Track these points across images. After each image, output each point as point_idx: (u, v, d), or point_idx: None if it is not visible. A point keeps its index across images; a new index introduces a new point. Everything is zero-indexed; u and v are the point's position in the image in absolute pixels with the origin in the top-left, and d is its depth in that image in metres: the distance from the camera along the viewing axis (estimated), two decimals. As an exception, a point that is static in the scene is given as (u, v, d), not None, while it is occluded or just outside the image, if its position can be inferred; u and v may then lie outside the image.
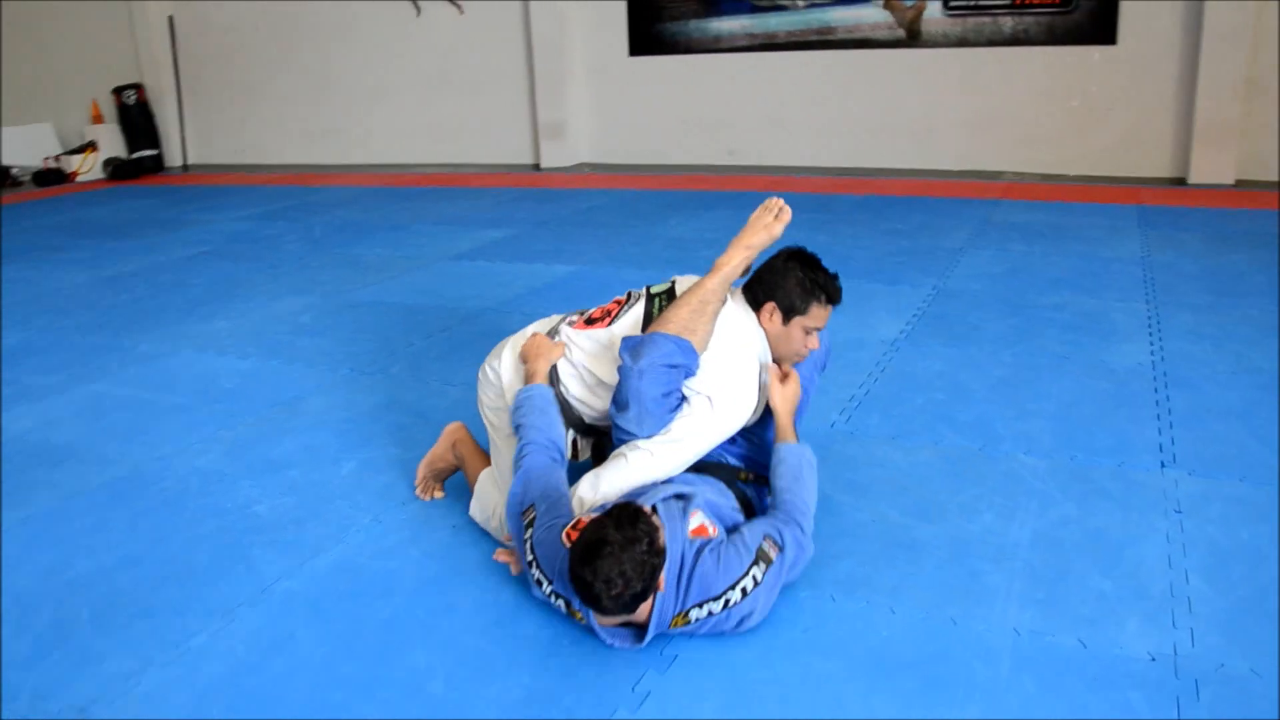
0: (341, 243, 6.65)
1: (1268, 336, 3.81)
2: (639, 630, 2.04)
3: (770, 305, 2.39)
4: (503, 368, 2.57)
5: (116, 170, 10.92)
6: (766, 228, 2.43)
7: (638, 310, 2.51)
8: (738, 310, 2.44)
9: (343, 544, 2.62)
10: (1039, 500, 2.65)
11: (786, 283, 2.38)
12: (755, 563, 2.05)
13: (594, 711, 1.91)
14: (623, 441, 2.35)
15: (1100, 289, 4.52)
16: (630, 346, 2.30)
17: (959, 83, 7.80)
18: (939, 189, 7.31)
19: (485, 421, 2.65)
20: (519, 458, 2.28)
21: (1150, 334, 3.88)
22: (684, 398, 2.33)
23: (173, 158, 11.59)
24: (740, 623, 2.05)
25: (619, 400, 2.31)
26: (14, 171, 10.92)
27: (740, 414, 2.38)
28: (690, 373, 2.31)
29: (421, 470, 2.81)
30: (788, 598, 2.23)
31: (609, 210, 7.15)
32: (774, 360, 2.47)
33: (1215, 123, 6.89)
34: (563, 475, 2.28)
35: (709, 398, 2.32)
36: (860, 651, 2.06)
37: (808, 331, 2.41)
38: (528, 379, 2.45)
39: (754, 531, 2.13)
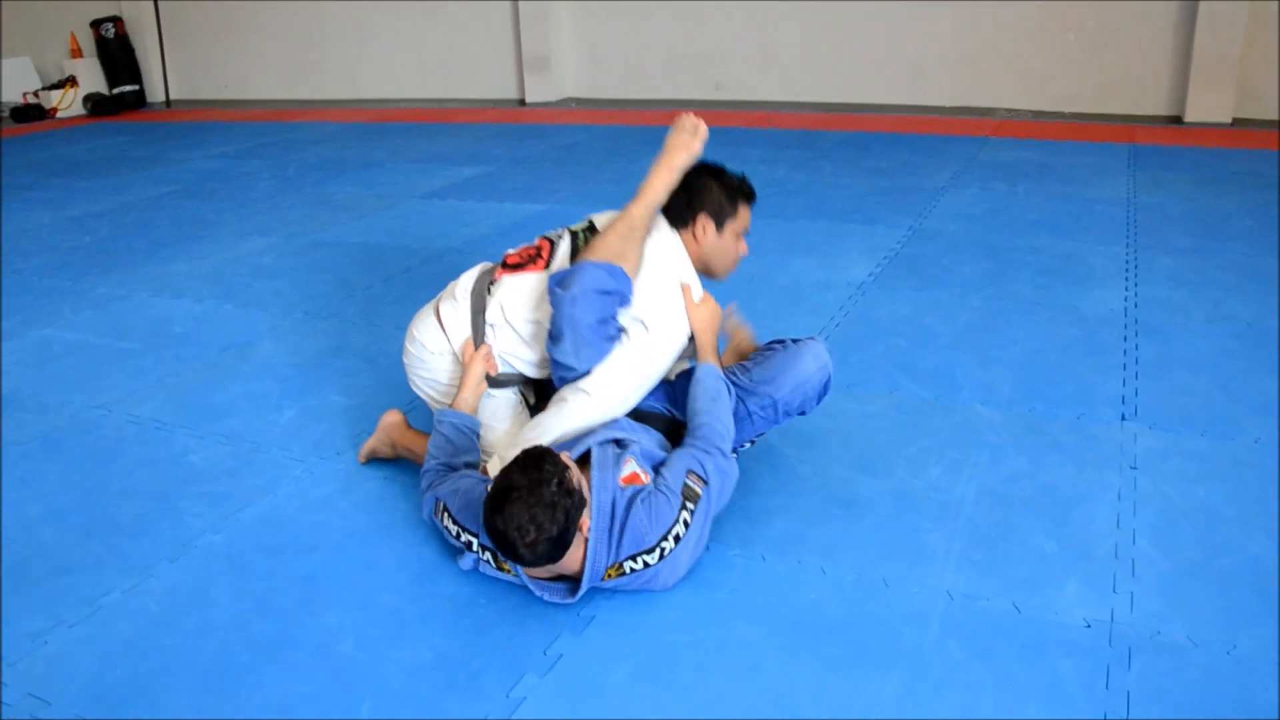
0: (314, 181, 6.51)
1: (1250, 283, 3.69)
2: (573, 584, 1.97)
3: (702, 217, 2.34)
4: (427, 340, 2.46)
5: (97, 106, 10.72)
6: (686, 146, 2.34)
7: (564, 248, 2.40)
8: (661, 236, 2.36)
9: (271, 496, 2.55)
10: (990, 454, 2.56)
11: (710, 192, 2.34)
12: (683, 505, 1.98)
13: (502, 675, 1.85)
14: (564, 381, 2.27)
15: (1080, 231, 4.39)
16: (559, 279, 2.21)
17: (952, 16, 7.56)
18: (928, 126, 7.12)
19: (425, 399, 2.55)
20: (423, 492, 2.24)
21: (1127, 279, 3.77)
22: (622, 328, 2.25)
23: (155, 93, 11.36)
24: (673, 570, 1.99)
25: (553, 332, 2.22)
26: (-6, 107, 10.72)
27: (676, 337, 2.30)
28: (625, 300, 2.23)
29: (364, 457, 2.70)
30: (716, 556, 2.16)
31: (588, 147, 6.99)
32: (712, 274, 2.43)
33: (1214, 59, 6.68)
34: (465, 473, 2.21)
35: (643, 322, 2.24)
36: (786, 614, 1.99)
37: (738, 236, 2.40)
38: (454, 399, 2.35)
39: (675, 470, 2.04)
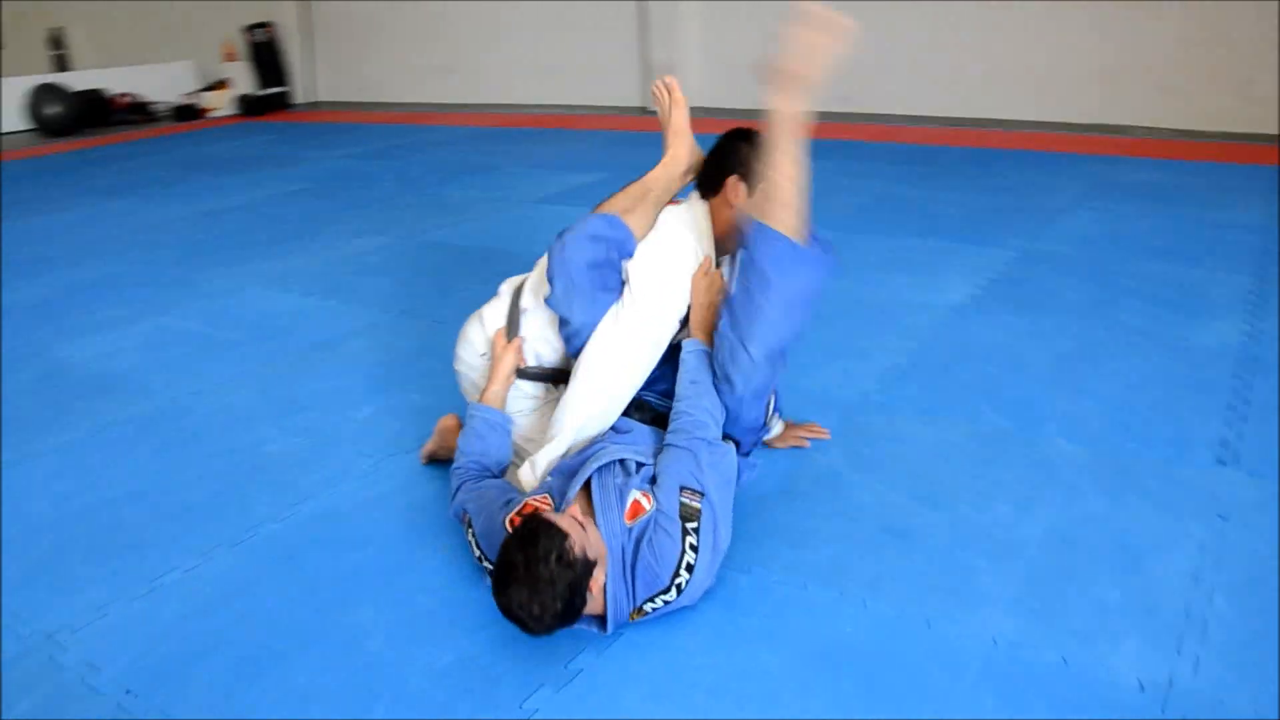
0: (433, 183, 6.69)
1: (1390, 321, 3.38)
2: (601, 620, 1.94)
3: (732, 180, 2.29)
4: (475, 340, 2.49)
5: (247, 107, 11.31)
6: (681, 104, 2.43)
7: None
8: (684, 206, 2.36)
9: (334, 490, 2.62)
10: (1065, 493, 2.41)
11: (738, 154, 2.30)
12: (684, 531, 1.89)
13: (520, 684, 1.84)
14: (574, 349, 2.28)
15: (1205, 259, 4.10)
16: (559, 232, 2.22)
17: (1088, 28, 7.20)
18: (1057, 143, 6.81)
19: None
20: (451, 493, 2.25)
21: (1248, 313, 3.50)
22: (623, 283, 2.24)
23: (301, 94, 11.92)
24: (696, 592, 1.94)
25: (549, 279, 2.23)
26: (155, 107, 11.44)
27: (665, 308, 2.24)
28: (622, 250, 2.22)
29: (424, 458, 2.75)
30: (756, 580, 2.11)
31: (703, 157, 6.94)
32: None
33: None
34: (492, 482, 2.22)
35: (631, 287, 2.22)
36: (815, 646, 1.92)
37: None
38: (482, 393, 2.36)
39: (668, 491, 1.94)
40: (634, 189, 2.32)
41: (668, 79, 2.48)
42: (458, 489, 2.22)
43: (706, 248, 2.33)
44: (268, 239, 5.37)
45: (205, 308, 4.22)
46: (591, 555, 1.81)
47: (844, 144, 7.10)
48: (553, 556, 1.73)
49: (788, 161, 2.05)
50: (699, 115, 8.59)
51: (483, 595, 2.11)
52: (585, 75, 9.93)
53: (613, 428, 2.24)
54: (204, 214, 6.09)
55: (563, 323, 2.28)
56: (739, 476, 2.25)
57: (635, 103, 9.61)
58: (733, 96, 9.05)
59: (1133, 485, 2.44)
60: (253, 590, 2.20)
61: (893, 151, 6.75)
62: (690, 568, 1.89)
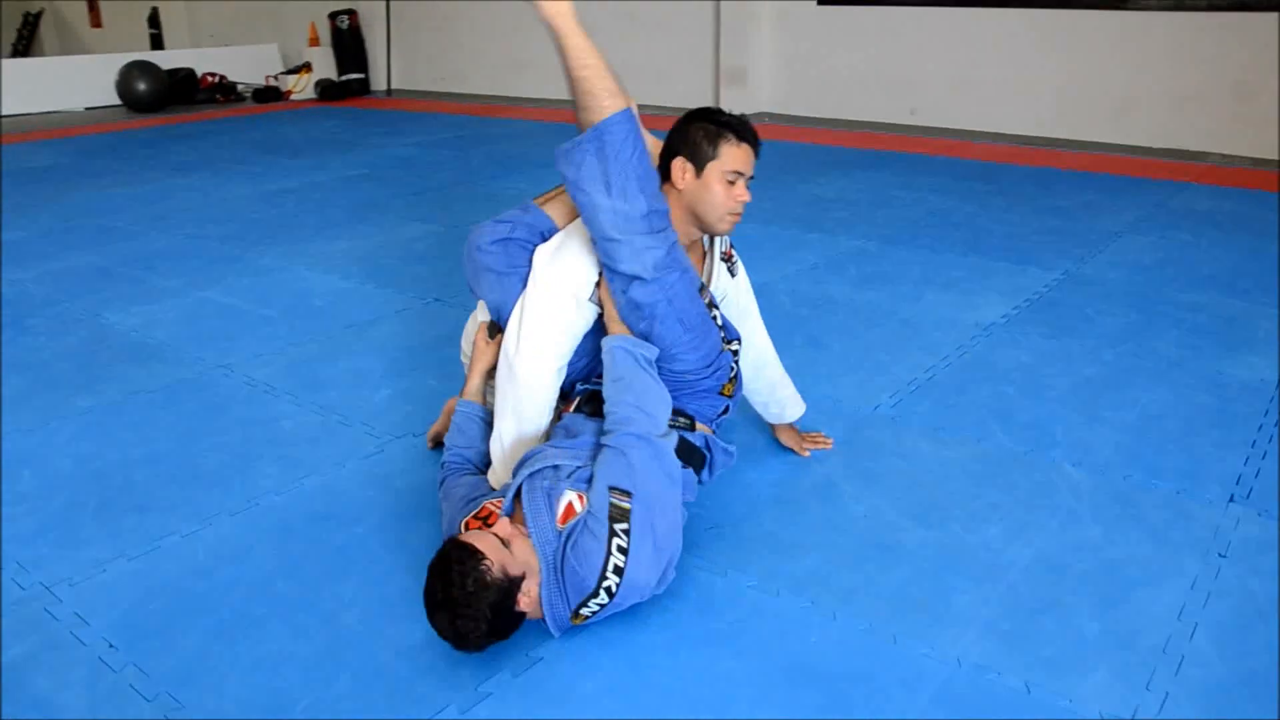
0: (491, 175, 6.78)
1: None
2: None
3: (679, 160, 2.18)
4: (469, 346, 2.56)
5: (325, 91, 11.57)
6: None
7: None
8: None
9: (340, 468, 2.69)
10: (1063, 519, 2.37)
11: (685, 135, 2.20)
12: (612, 534, 1.83)
13: (478, 669, 1.87)
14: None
15: (1255, 291, 3.97)
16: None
17: (1169, 50, 7.00)
18: (1125, 167, 6.63)
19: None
20: (438, 487, 2.31)
21: (1291, 348, 3.38)
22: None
23: (378, 82, 12.16)
24: (636, 589, 1.87)
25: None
26: (239, 88, 11.78)
27: (560, 282, 2.18)
28: (533, 232, 2.30)
29: (430, 442, 2.80)
30: (731, 584, 2.11)
31: (763, 162, 6.90)
32: (707, 225, 2.24)
33: None
34: (465, 480, 2.25)
35: (533, 272, 2.23)
36: (778, 655, 1.91)
37: (730, 181, 2.18)
38: (465, 387, 2.44)
39: (598, 491, 1.88)
40: (561, 186, 2.32)
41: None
42: (440, 484, 2.27)
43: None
44: (321, 221, 5.50)
45: (249, 284, 4.34)
46: (515, 570, 1.80)
47: (905, 157, 7.02)
48: (468, 581, 1.74)
49: (581, 52, 2.06)
50: (770, 122, 8.58)
51: (459, 579, 2.14)
52: (656, 76, 9.94)
53: (563, 427, 2.21)
54: (266, 194, 6.26)
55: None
56: (712, 464, 2.22)
57: (708, 105, 9.60)
58: (804, 103, 9.01)
59: (1133, 516, 2.38)
60: (245, 558, 2.27)
61: (955, 167, 6.65)
62: (619, 570, 1.83)
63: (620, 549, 1.83)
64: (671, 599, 2.03)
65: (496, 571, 1.76)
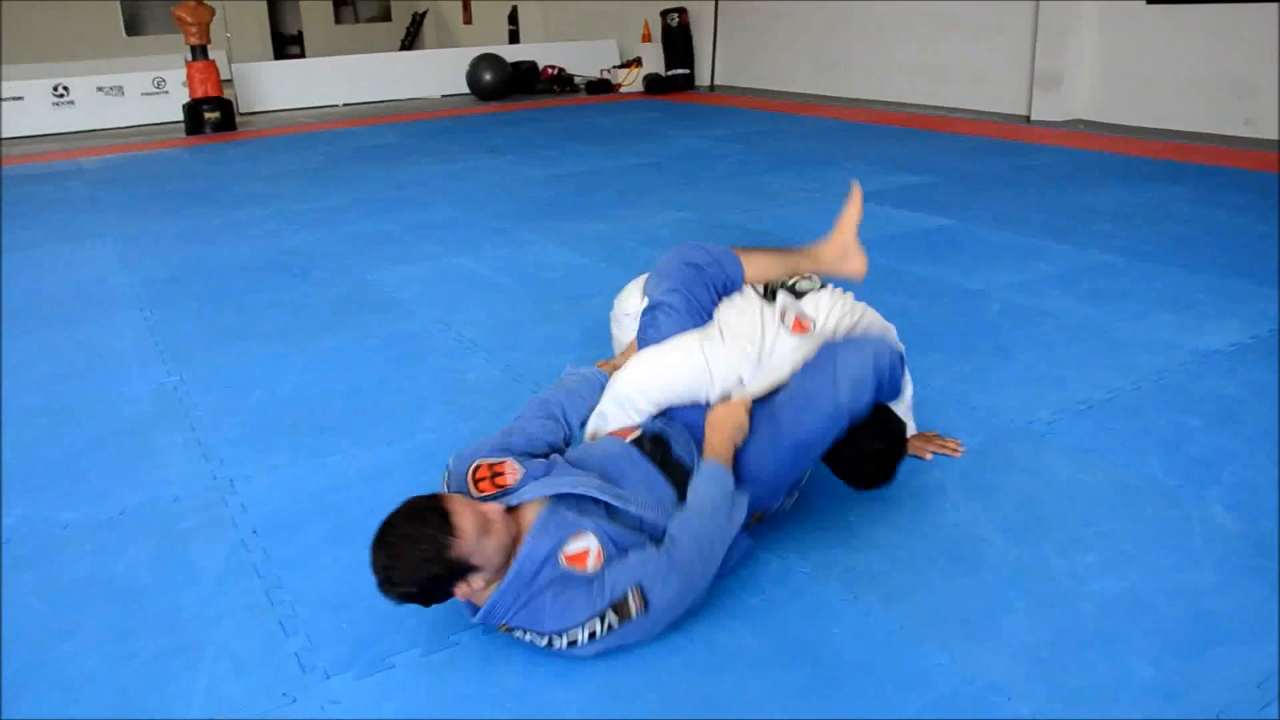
0: (767, 169, 6.92)
1: None
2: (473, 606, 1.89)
3: None
4: (620, 310, 2.72)
5: (650, 85, 12.23)
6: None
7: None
8: (770, 312, 2.38)
9: (496, 418, 2.94)
10: (1177, 559, 2.15)
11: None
12: (607, 611, 1.78)
13: (401, 641, 1.95)
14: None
15: None
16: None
17: None
18: None
19: None
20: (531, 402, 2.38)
21: None
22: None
23: (701, 78, 12.64)
24: (558, 649, 1.83)
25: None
26: (576, 80, 12.74)
27: (631, 384, 2.26)
28: (726, 275, 2.38)
29: None
30: (787, 566, 2.15)
31: (1046, 170, 6.51)
32: None
33: None
34: (537, 427, 2.24)
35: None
36: (792, 637, 1.93)
37: None
38: (608, 363, 2.53)
39: (625, 574, 1.82)
40: (775, 249, 2.51)
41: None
42: (532, 402, 2.35)
43: (733, 385, 2.25)
44: (588, 203, 5.93)
45: (500, 254, 4.82)
46: (475, 560, 1.74)
47: (1219, 170, 6.27)
48: (424, 545, 1.71)
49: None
50: (1084, 129, 8.03)
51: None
52: (969, 79, 9.56)
53: (613, 456, 2.10)
54: (553, 176, 6.82)
55: (648, 305, 2.43)
56: (727, 559, 2.02)
57: (1020, 111, 9.10)
58: (1123, 110, 8.29)
59: (1268, 569, 2.11)
60: (381, 480, 2.63)
61: (1271, 184, 5.87)
62: (573, 644, 1.80)
63: (593, 634, 1.79)
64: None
65: (455, 553, 1.72)
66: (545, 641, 1.82)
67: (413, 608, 1.93)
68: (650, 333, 2.37)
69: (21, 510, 2.56)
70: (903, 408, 2.49)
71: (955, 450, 2.63)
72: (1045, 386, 3.07)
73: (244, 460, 2.77)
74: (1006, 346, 3.39)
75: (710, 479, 1.99)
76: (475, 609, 1.86)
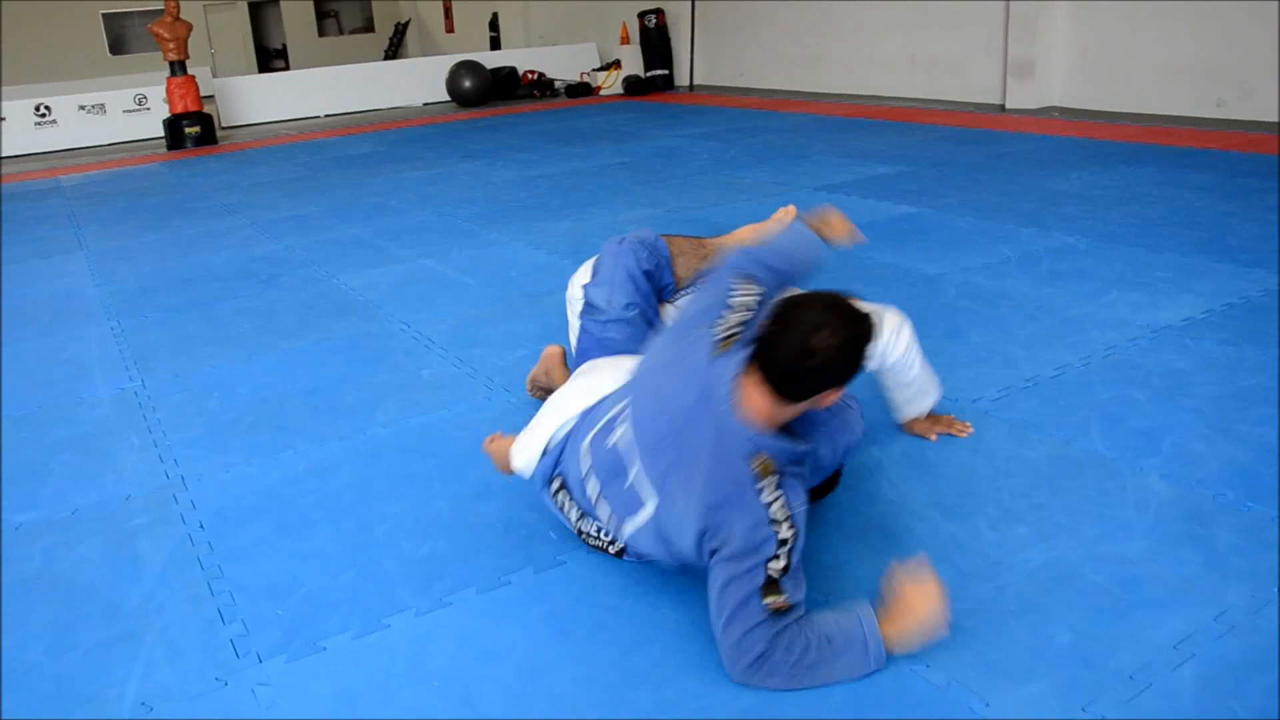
0: (739, 165, 6.95)
1: None
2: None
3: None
4: (574, 289, 2.75)
5: (630, 87, 12.28)
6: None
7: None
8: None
9: (446, 410, 3.02)
10: (1109, 528, 2.17)
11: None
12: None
13: (372, 615, 2.01)
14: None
15: None
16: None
17: None
18: None
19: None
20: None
21: None
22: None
23: (681, 78, 12.69)
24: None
25: (594, 268, 2.62)
26: (555, 84, 12.78)
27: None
28: (663, 277, 2.48)
29: (528, 385, 3.06)
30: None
31: (1021, 157, 6.54)
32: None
33: None
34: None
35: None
36: (707, 614, 1.96)
37: None
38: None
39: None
40: (695, 240, 2.58)
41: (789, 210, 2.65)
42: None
43: None
44: (560, 204, 5.96)
45: (466, 255, 4.85)
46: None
47: (1189, 152, 6.31)
48: (862, 337, 1.73)
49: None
50: (1059, 116, 8.09)
51: (493, 513, 2.38)
52: (944, 70, 9.61)
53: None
54: (527, 179, 6.85)
55: (590, 307, 2.47)
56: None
57: (994, 100, 9.14)
58: (1098, 97, 8.33)
59: (1197, 537, 2.13)
60: (330, 474, 2.66)
61: (1240, 163, 5.88)
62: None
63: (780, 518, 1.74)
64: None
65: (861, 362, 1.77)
66: (786, 527, 1.73)
67: (346, 593, 1.98)
68: (596, 337, 2.42)
69: (-24, 515, 2.59)
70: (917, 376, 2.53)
71: (962, 432, 2.63)
72: (995, 365, 3.09)
73: (197, 460, 2.80)
74: (960, 328, 3.42)
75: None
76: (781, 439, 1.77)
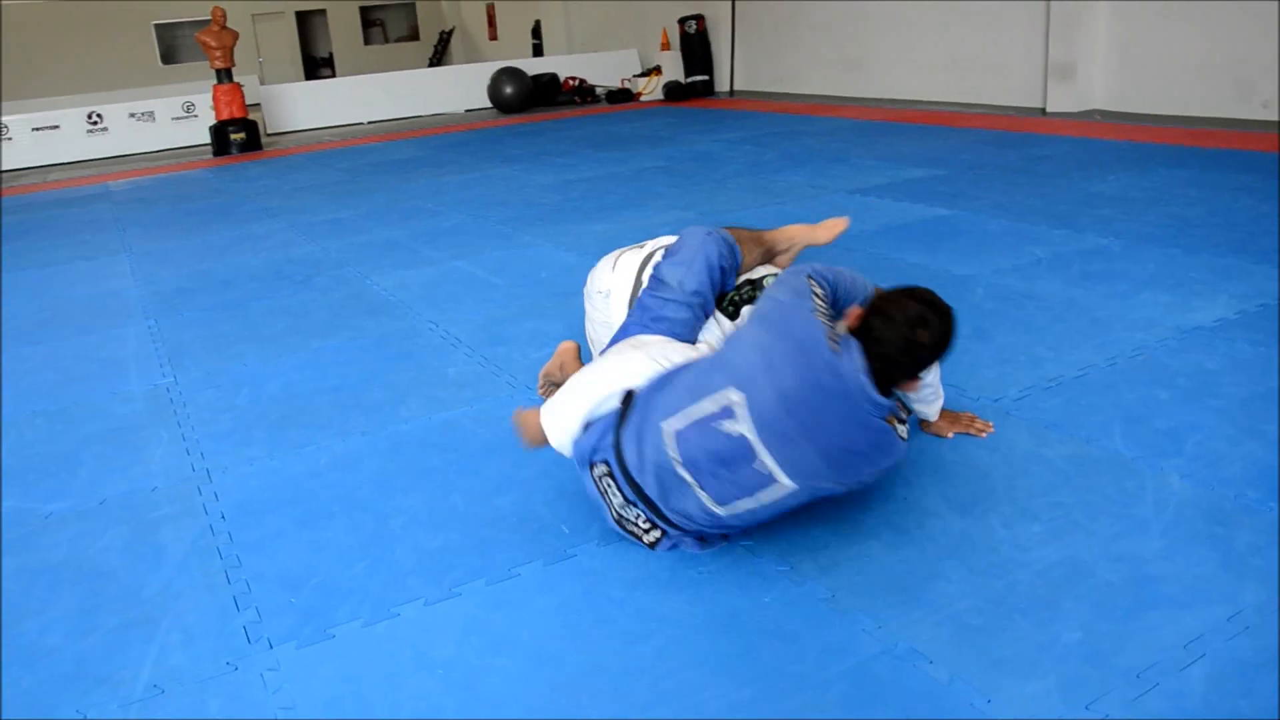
0: (774, 169, 6.94)
1: None
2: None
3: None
4: (592, 286, 2.76)
5: (670, 92, 12.30)
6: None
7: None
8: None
9: (469, 407, 3.05)
10: (1125, 527, 2.14)
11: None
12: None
13: (383, 605, 2.05)
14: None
15: None
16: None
17: None
18: None
19: (594, 344, 2.84)
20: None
21: None
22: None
23: (721, 83, 12.69)
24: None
25: (674, 249, 2.46)
26: (596, 90, 12.85)
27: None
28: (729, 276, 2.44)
29: (540, 380, 3.07)
30: (730, 542, 2.17)
31: (1059, 160, 6.45)
32: None
33: None
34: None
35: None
36: (723, 606, 1.96)
37: None
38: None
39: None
40: (753, 231, 2.58)
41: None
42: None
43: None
44: (594, 207, 5.99)
45: (498, 257, 4.89)
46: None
47: (1231, 154, 6.18)
48: (952, 329, 1.99)
49: None
50: (1100, 119, 8.01)
51: (509, 507, 2.40)
52: (985, 73, 9.51)
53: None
54: (563, 182, 6.90)
55: (656, 282, 2.44)
56: None
57: (1035, 103, 9.03)
58: (1140, 99, 8.19)
59: (1215, 537, 2.09)
60: (352, 468, 2.70)
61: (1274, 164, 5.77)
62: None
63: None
64: (653, 555, 2.14)
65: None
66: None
67: (358, 583, 2.02)
68: (653, 314, 2.40)
69: (12, 503, 2.67)
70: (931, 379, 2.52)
71: (982, 431, 2.61)
72: (1019, 365, 3.06)
73: (224, 453, 2.86)
74: (987, 329, 3.38)
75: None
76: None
